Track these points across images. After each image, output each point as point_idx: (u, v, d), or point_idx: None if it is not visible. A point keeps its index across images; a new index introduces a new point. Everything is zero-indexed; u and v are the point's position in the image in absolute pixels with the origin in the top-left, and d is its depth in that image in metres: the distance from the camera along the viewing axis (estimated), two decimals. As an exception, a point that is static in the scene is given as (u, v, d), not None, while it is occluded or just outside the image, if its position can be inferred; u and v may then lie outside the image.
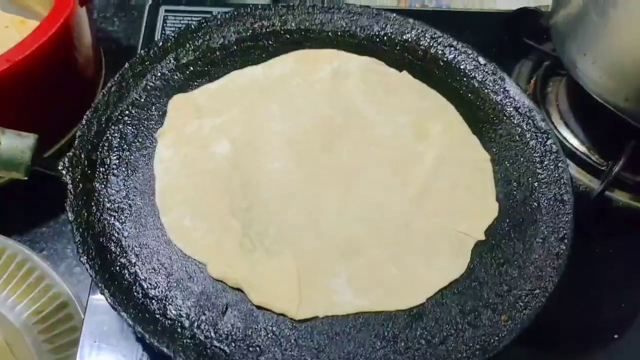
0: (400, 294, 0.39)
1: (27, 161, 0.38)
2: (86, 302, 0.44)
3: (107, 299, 0.36)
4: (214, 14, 0.53)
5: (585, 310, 0.48)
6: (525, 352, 0.44)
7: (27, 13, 0.65)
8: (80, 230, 0.39)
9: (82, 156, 0.42)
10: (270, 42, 0.52)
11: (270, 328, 0.37)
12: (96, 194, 0.41)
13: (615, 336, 0.46)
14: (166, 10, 0.63)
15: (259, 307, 0.38)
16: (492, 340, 0.37)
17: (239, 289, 0.39)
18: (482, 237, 0.42)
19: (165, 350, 0.34)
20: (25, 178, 0.40)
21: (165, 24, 0.62)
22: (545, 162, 0.46)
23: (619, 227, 0.53)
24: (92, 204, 0.41)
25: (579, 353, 0.46)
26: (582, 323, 0.47)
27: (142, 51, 0.49)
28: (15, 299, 0.50)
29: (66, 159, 0.41)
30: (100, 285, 0.36)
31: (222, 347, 0.36)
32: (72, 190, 0.40)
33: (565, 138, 0.54)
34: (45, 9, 0.65)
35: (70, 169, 0.41)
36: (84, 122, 0.44)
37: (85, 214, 0.40)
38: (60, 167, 0.41)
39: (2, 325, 0.49)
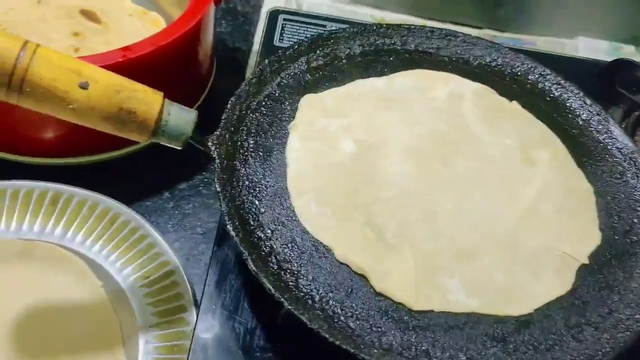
0: (510, 301, 0.42)
1: (188, 133, 0.42)
2: (207, 271, 0.47)
3: (249, 265, 0.39)
4: (341, 27, 0.58)
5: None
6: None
7: (148, 4, 0.71)
8: (226, 201, 0.42)
9: (227, 136, 0.46)
10: (391, 59, 0.57)
11: (391, 313, 0.41)
12: (237, 172, 0.45)
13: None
14: (284, 19, 0.68)
15: (379, 294, 0.42)
16: (596, 355, 0.40)
17: (361, 275, 0.42)
18: (586, 261, 0.45)
19: (302, 317, 0.38)
20: (180, 148, 0.44)
21: (283, 31, 0.67)
22: (645, 202, 0.49)
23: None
24: (234, 180, 0.45)
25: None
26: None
27: (280, 51, 0.53)
28: (125, 262, 0.54)
29: (214, 137, 0.45)
30: (244, 251, 0.40)
31: (347, 322, 0.39)
32: (219, 164, 0.44)
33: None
34: (167, 2, 0.71)
35: (218, 145, 0.45)
36: (229, 106, 0.48)
37: (229, 187, 0.44)
38: (210, 144, 0.45)
39: (108, 285, 0.53)
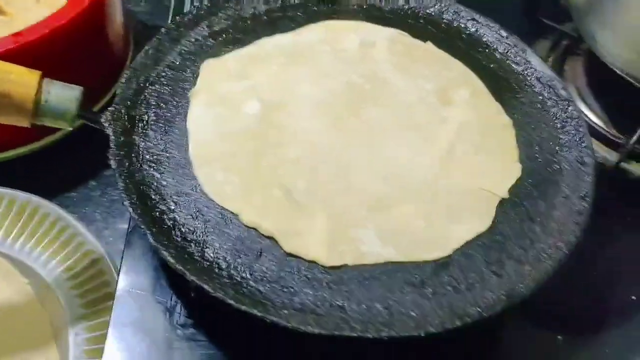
0: (427, 245, 0.41)
1: (73, 111, 0.40)
2: (122, 253, 0.46)
3: (150, 240, 0.37)
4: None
5: (603, 276, 0.49)
6: (538, 318, 0.46)
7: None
8: (123, 177, 0.40)
9: (123, 111, 0.44)
10: (299, 14, 0.54)
11: (303, 272, 0.39)
12: (136, 147, 0.43)
13: (633, 297, 0.48)
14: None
15: (290, 254, 0.40)
16: (517, 287, 0.39)
17: (270, 237, 0.41)
18: (506, 195, 0.44)
19: (205, 286, 0.36)
20: (70, 128, 0.42)
21: (193, 1, 0.64)
22: (567, 128, 0.48)
23: (635, 199, 0.55)
24: (133, 155, 0.43)
25: (597, 315, 0.48)
26: (599, 287, 0.49)
27: (177, 17, 0.51)
28: (48, 256, 0.52)
29: (108, 113, 0.43)
30: (142, 227, 0.38)
31: (257, 287, 0.38)
32: (114, 141, 0.42)
33: (582, 113, 0.56)
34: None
35: (112, 122, 0.43)
36: (123, 80, 0.46)
37: (127, 163, 0.42)
38: (102, 120, 0.42)
39: (34, 281, 0.51)
